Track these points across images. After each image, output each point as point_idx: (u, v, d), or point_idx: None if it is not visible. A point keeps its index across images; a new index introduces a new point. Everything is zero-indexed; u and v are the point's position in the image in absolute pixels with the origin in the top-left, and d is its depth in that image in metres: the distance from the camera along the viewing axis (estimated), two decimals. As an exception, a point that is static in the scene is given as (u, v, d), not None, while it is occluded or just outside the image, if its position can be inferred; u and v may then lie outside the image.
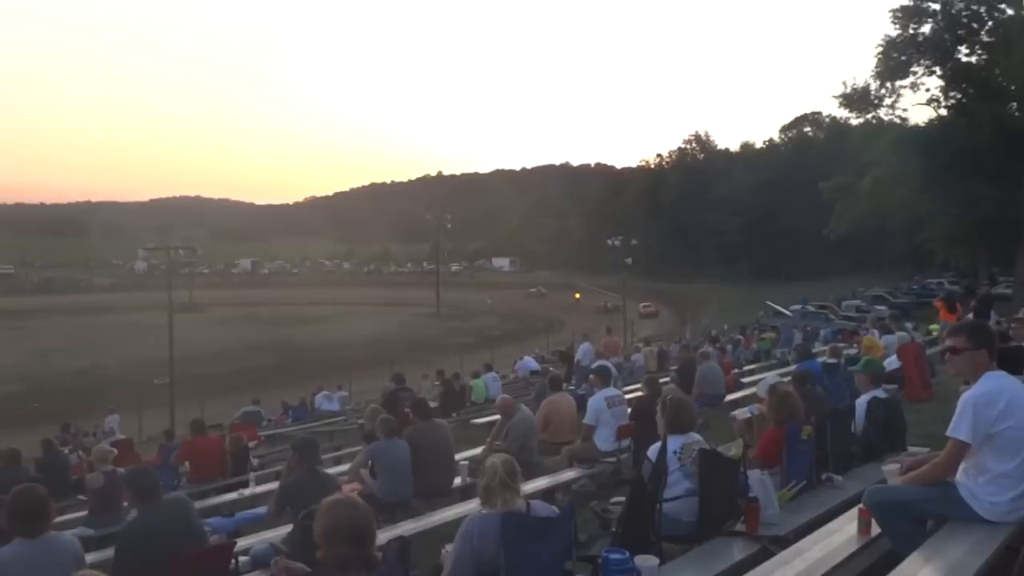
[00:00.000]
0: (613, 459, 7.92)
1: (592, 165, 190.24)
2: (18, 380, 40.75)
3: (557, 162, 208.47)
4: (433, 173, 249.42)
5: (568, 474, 7.58)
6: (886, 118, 43.54)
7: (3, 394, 32.61)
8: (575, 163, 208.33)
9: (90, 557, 5.04)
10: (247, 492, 8.78)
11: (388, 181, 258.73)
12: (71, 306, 79.73)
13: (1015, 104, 40.10)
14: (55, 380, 41.29)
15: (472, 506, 5.90)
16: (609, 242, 55.98)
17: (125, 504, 8.43)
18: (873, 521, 3.87)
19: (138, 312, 61.55)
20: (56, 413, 27.98)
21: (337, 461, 11.16)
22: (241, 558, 5.15)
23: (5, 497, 4.16)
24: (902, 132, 42.82)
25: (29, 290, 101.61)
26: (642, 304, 67.57)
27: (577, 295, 77.54)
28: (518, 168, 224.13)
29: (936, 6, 40.16)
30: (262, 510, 6.69)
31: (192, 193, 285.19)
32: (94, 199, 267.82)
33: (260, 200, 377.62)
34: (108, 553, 6.43)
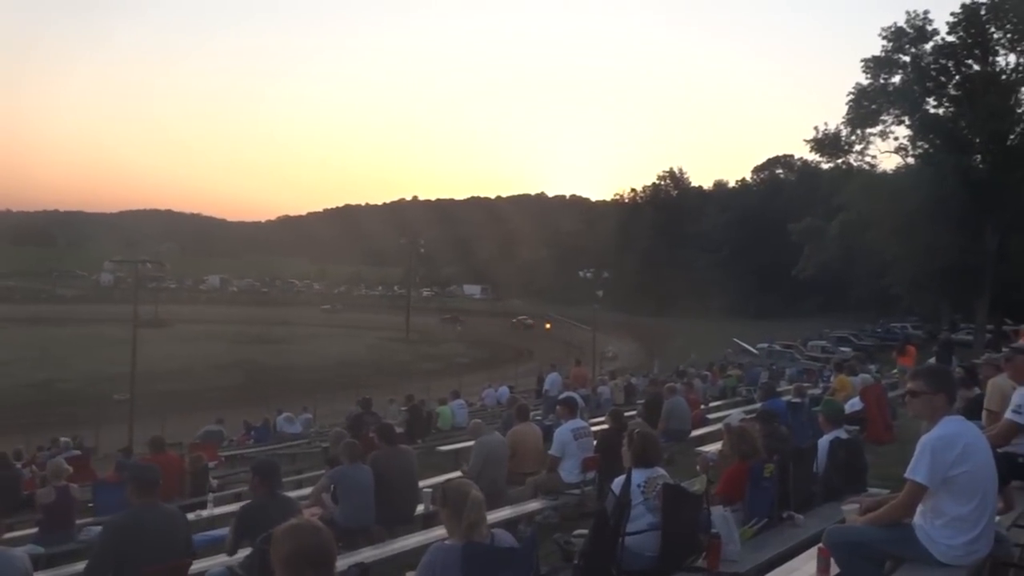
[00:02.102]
0: (578, 491, 7.91)
1: (567, 196, 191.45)
2: (-28, 391, 39.71)
3: (532, 192, 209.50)
4: (408, 197, 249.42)
5: (532, 505, 7.55)
6: (855, 164, 44.58)
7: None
8: (550, 194, 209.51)
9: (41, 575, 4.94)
10: (205, 513, 8.62)
11: (362, 203, 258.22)
12: (32, 316, 78.10)
13: (979, 156, 41.27)
14: (12, 392, 40.28)
15: (435, 534, 5.86)
16: (581, 274, 56.23)
17: (78, 522, 8.29)
18: (832, 560, 3.91)
19: (101, 324, 60.53)
20: (11, 426, 27.33)
21: (299, 484, 11.01)
22: (197, 580, 5.07)
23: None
24: (871, 178, 43.80)
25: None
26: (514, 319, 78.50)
27: (548, 325, 77.64)
28: (493, 196, 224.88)
29: (906, 59, 41.41)
30: (220, 532, 6.58)
31: (163, 207, 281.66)
32: (62, 208, 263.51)
33: (232, 217, 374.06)
34: (58, 572, 6.30)
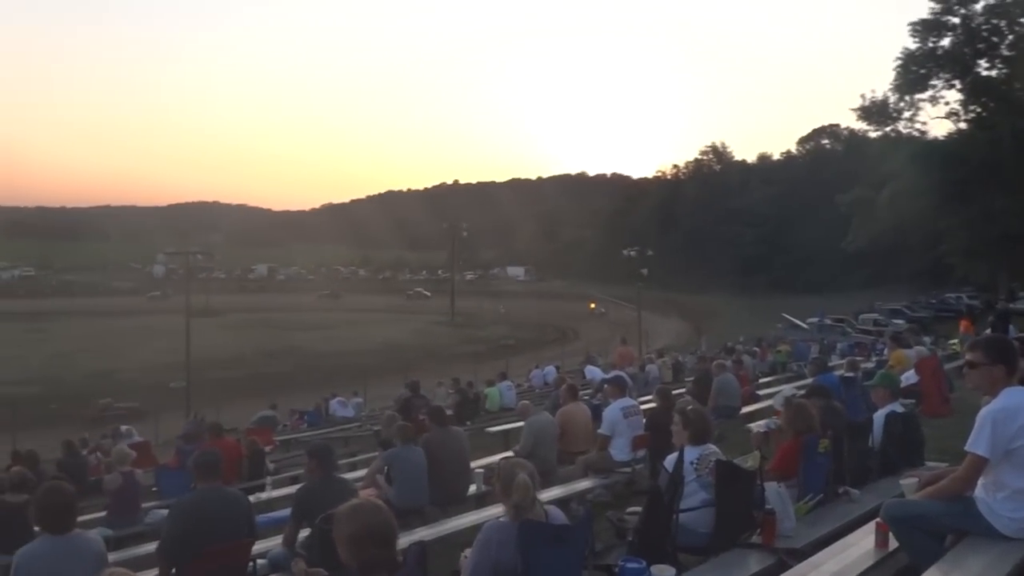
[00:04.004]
0: (628, 469, 7.92)
1: (608, 175, 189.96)
2: (37, 381, 41.14)
3: (573, 172, 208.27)
4: (449, 181, 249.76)
5: (583, 484, 7.58)
6: (905, 131, 43.44)
7: (23, 395, 32.85)
8: (591, 173, 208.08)
9: (109, 558, 5.12)
10: (263, 496, 8.83)
11: (404, 189, 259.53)
12: (90, 309, 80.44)
13: (1035, 118, 39.84)
14: (74, 382, 41.64)
15: (487, 513, 5.93)
16: (624, 252, 55.84)
17: (143, 506, 8.59)
18: (891, 535, 3.87)
19: (156, 316, 62.08)
20: (75, 414, 28.31)
21: (352, 467, 11.21)
22: (259, 561, 5.21)
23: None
24: (921, 145, 42.62)
25: (49, 292, 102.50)
26: (592, 304, 76.00)
27: (592, 305, 77.41)
28: (534, 177, 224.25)
29: (956, 20, 40.07)
30: (278, 513, 6.74)
31: (210, 199, 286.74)
32: (114, 203, 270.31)
33: (277, 206, 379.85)
34: (126, 553, 6.53)
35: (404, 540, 4.96)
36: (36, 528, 4.13)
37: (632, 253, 54.69)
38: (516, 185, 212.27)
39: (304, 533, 5.17)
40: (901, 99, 42.25)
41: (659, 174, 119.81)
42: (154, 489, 10.67)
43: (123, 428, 21.01)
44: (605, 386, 9.84)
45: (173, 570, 4.55)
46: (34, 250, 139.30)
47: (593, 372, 18.46)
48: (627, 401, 8.33)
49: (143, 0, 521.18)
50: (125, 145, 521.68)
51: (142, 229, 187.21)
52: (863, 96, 43.54)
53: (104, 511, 8.22)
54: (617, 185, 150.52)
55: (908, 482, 4.22)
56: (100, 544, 4.19)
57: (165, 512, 8.21)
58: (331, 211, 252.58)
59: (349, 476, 8.29)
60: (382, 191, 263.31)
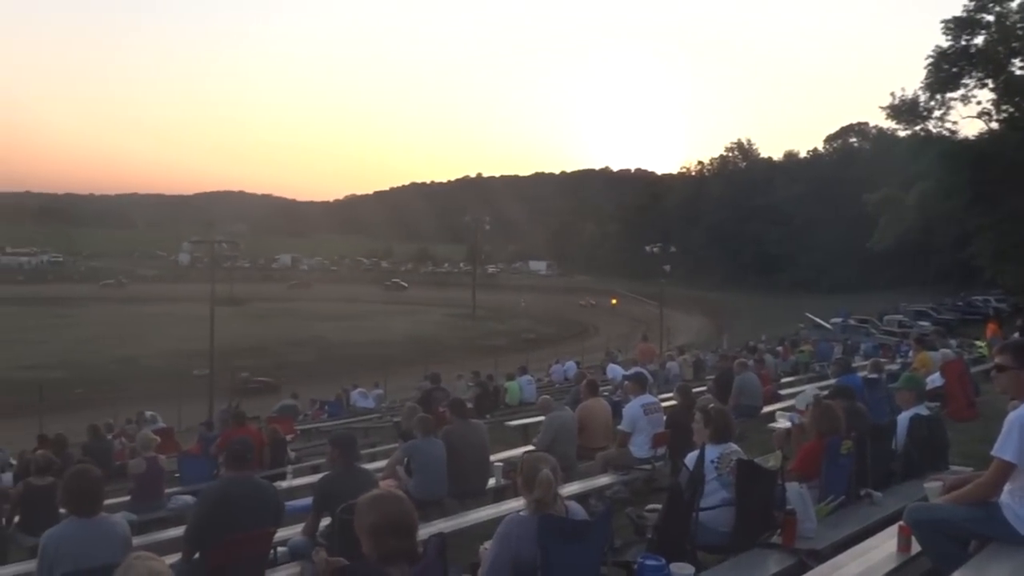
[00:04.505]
0: (648, 466, 7.90)
1: (632, 170, 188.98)
2: (64, 366, 41.79)
3: (597, 167, 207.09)
4: (473, 174, 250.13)
5: (602, 479, 7.57)
6: (935, 130, 42.64)
7: (50, 380, 33.37)
8: (615, 168, 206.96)
9: (133, 542, 5.20)
10: (284, 484, 8.90)
11: (428, 181, 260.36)
12: (116, 295, 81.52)
13: (1070, 119, 39.09)
14: (99, 367, 42.25)
15: (506, 507, 5.94)
16: (648, 248, 55.62)
17: (166, 491, 8.70)
18: (913, 539, 3.84)
19: (180, 303, 62.75)
20: (99, 400, 28.69)
21: (372, 458, 11.27)
22: (279, 548, 5.26)
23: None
24: (951, 145, 41.87)
25: (76, 279, 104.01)
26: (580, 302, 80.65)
27: (614, 301, 77.25)
28: (558, 172, 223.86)
29: (990, 18, 39.31)
30: (300, 502, 6.80)
31: (235, 188, 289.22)
32: (140, 191, 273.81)
33: (301, 197, 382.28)
34: (149, 538, 6.62)
35: (423, 532, 5.01)
36: (62, 511, 4.20)
37: (655, 249, 54.45)
38: (540, 179, 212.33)
39: (325, 522, 5.21)
40: (932, 97, 41.50)
41: (684, 170, 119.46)
42: (176, 475, 10.80)
43: (147, 414, 21.33)
44: (625, 382, 9.82)
45: (196, 555, 4.61)
46: (62, 236, 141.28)
47: (615, 371, 18.32)
48: (648, 398, 8.31)
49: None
50: (153, 134, 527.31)
51: (168, 217, 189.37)
52: (893, 94, 42.81)
53: (128, 496, 8.32)
54: (641, 181, 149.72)
55: (932, 486, 4.17)
56: (125, 528, 4.26)
57: (187, 498, 8.36)
58: (355, 202, 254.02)
59: (369, 467, 8.36)
60: (406, 183, 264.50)
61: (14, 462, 12.53)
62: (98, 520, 4.08)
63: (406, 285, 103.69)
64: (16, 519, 7.36)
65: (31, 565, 4.76)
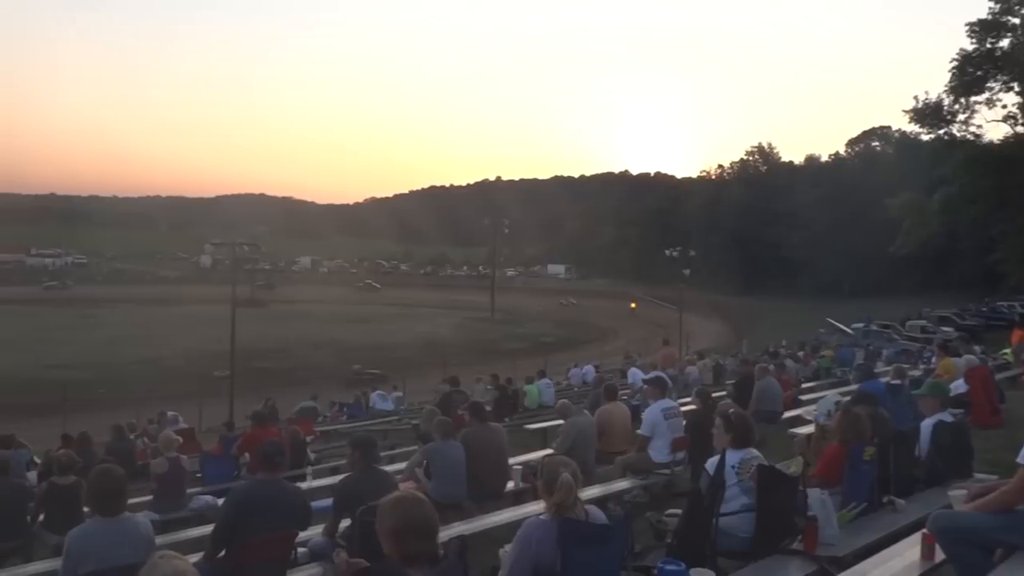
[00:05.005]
0: (667, 471, 7.87)
1: (652, 174, 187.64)
2: (87, 366, 42.26)
3: (616, 170, 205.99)
4: (492, 178, 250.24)
5: (621, 484, 7.56)
6: (959, 134, 42.23)
7: (73, 380, 33.78)
8: (634, 171, 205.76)
9: (156, 541, 5.25)
10: (304, 485, 8.93)
11: (447, 184, 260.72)
12: (139, 297, 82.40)
13: (1097, 123, 38.62)
14: (122, 368, 42.70)
15: (525, 510, 5.94)
16: (667, 252, 55.41)
17: (188, 491, 8.77)
18: (937, 547, 3.80)
19: (202, 305, 63.31)
20: (122, 399, 28.98)
21: (391, 460, 11.31)
22: (299, 549, 5.29)
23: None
24: (976, 149, 41.43)
25: (100, 280, 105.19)
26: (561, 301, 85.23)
27: (633, 305, 77.02)
28: (576, 175, 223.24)
29: (1016, 20, 38.91)
30: (320, 503, 6.83)
31: (256, 191, 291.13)
32: (163, 194, 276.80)
33: (321, 200, 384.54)
34: (171, 538, 6.68)
35: (442, 535, 5.02)
36: (86, 509, 4.25)
37: (675, 253, 54.26)
38: (559, 182, 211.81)
39: (345, 523, 5.24)
40: (956, 101, 41.11)
41: (704, 174, 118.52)
42: (198, 475, 10.88)
43: (169, 414, 21.49)
44: (644, 387, 9.79)
45: (221, 554, 4.65)
46: (86, 238, 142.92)
47: (636, 375, 18.33)
48: (667, 402, 8.27)
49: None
50: (175, 138, 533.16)
51: (190, 220, 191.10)
52: (916, 98, 42.46)
53: (150, 495, 8.39)
54: (661, 184, 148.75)
55: (956, 493, 4.13)
56: (148, 527, 4.30)
57: (209, 498, 8.42)
58: (375, 205, 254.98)
59: (387, 469, 8.38)
60: (426, 186, 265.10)
61: (38, 461, 12.67)
62: (122, 519, 4.12)
63: (378, 286, 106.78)
64: (41, 517, 7.45)
65: (55, 563, 4.83)
